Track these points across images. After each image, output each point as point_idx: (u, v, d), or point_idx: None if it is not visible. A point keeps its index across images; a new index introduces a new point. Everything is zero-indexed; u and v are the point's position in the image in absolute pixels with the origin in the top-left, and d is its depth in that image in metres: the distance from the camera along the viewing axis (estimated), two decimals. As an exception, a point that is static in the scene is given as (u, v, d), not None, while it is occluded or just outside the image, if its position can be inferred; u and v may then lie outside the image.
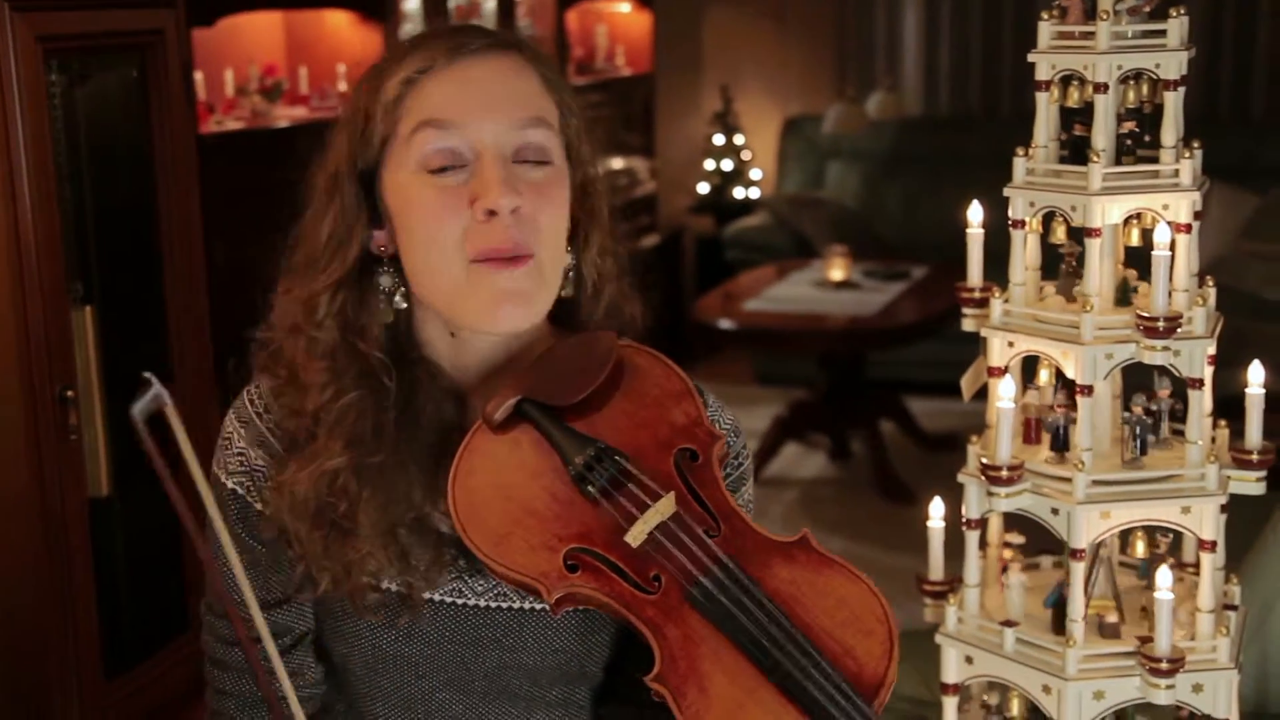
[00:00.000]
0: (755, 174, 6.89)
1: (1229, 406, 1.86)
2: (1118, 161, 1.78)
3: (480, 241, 1.30)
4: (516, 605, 1.36)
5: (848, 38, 6.88)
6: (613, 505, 1.27)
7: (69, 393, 2.65)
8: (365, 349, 1.35)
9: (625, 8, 6.64)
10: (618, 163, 6.36)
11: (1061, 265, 1.88)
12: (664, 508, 1.27)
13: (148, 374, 1.08)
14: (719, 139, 6.87)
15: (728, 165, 6.87)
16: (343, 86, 4.43)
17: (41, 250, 2.59)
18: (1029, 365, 1.91)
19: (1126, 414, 1.79)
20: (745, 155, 6.90)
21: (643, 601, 1.24)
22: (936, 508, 1.94)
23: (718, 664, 1.21)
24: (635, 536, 1.26)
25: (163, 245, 2.98)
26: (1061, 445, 1.84)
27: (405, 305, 1.38)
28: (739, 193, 6.85)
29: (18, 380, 2.58)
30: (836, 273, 5.33)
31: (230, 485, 1.38)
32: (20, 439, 2.59)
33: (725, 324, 5.00)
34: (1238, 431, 1.84)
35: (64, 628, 2.71)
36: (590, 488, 1.28)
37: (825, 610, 1.24)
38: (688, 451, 1.32)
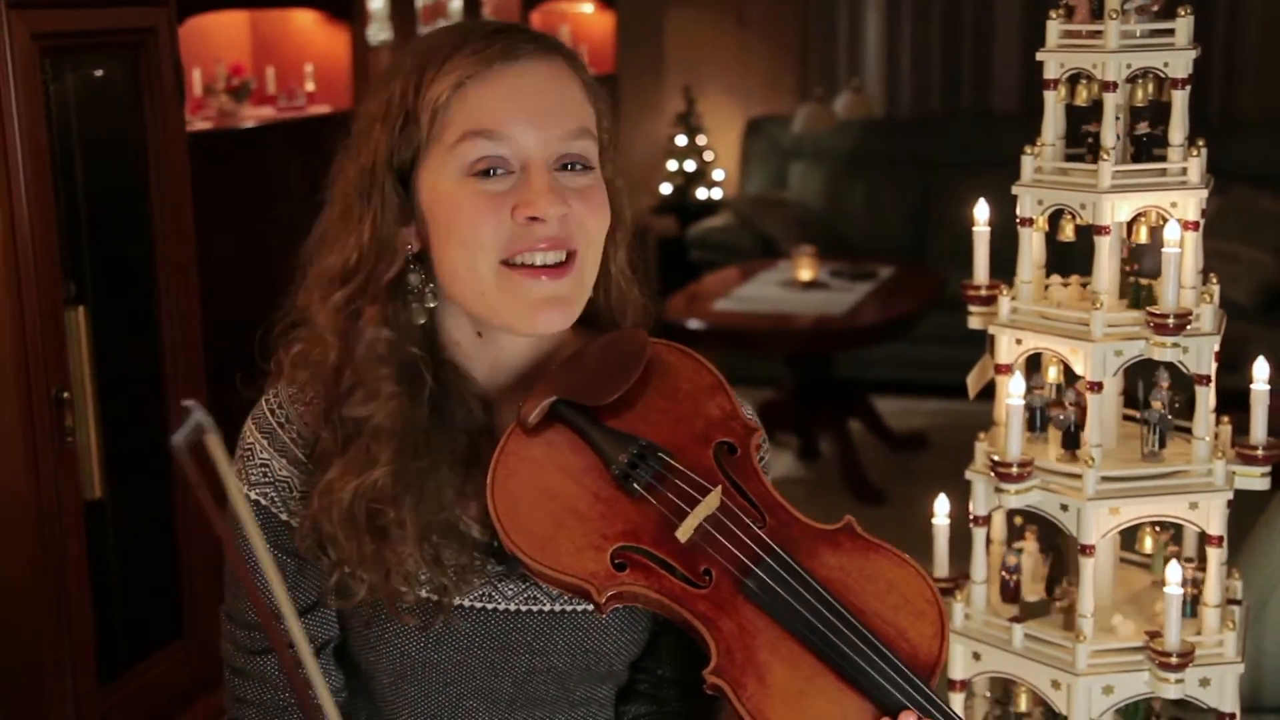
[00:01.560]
0: (718, 175, 6.90)
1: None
2: (1135, 160, 1.79)
3: (517, 244, 1.28)
4: (547, 608, 1.35)
5: (810, 39, 6.90)
6: (659, 501, 1.27)
7: (64, 394, 2.61)
8: (411, 348, 1.33)
9: (588, 8, 6.64)
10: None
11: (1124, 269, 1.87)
12: (712, 501, 1.27)
13: (188, 402, 1.06)
14: (682, 140, 6.88)
15: (690, 166, 6.87)
16: (310, 86, 4.39)
17: (37, 250, 2.56)
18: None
19: (1147, 409, 1.81)
20: (708, 156, 6.91)
21: (695, 596, 1.24)
22: (942, 505, 1.94)
23: (775, 654, 1.22)
24: (685, 531, 1.26)
25: (155, 243, 2.95)
26: (1073, 444, 1.85)
27: (434, 304, 1.35)
28: (702, 193, 6.86)
29: (13, 382, 2.54)
30: (804, 273, 5.34)
31: (254, 497, 1.36)
32: (16, 441, 2.56)
33: (693, 324, 5.00)
34: (1238, 428, 1.86)
35: (59, 631, 2.68)
36: (635, 485, 1.28)
37: (876, 595, 1.25)
38: (726, 445, 1.32)
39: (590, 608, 1.30)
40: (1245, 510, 2.12)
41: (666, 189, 6.91)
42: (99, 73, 2.91)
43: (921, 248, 6.28)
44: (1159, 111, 1.84)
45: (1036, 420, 1.89)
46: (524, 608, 1.35)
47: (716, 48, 6.98)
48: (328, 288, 1.34)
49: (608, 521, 1.27)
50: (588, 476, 1.29)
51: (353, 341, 1.32)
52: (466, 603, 1.34)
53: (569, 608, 1.35)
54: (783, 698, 1.20)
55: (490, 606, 1.34)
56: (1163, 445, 1.79)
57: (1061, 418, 1.83)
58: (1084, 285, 1.86)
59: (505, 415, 1.35)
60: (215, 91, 4.27)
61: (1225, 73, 6.25)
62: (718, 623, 1.22)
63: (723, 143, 6.96)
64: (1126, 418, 1.93)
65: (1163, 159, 1.80)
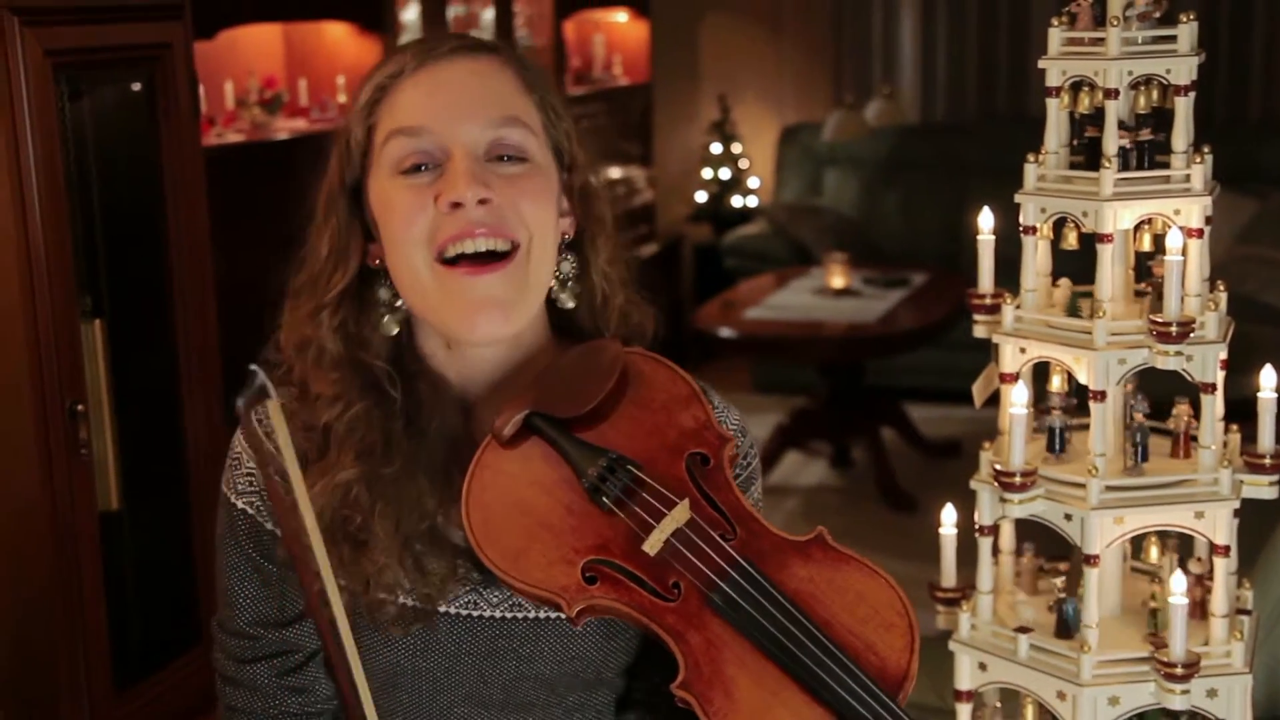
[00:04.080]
0: (753, 182, 6.90)
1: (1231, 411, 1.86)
2: (1137, 167, 1.78)
3: (445, 230, 1.29)
4: (533, 615, 1.36)
5: (844, 46, 6.89)
6: (628, 515, 1.27)
7: (79, 407, 2.65)
8: (368, 360, 1.35)
9: (622, 17, 6.66)
10: (615, 172, 6.37)
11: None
12: (679, 515, 1.27)
13: (254, 366, 1.08)
14: (716, 148, 6.88)
15: (725, 174, 6.88)
16: (342, 98, 4.44)
17: (52, 263, 2.60)
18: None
19: (1173, 414, 1.80)
20: (743, 164, 6.91)
21: (663, 609, 1.24)
22: (949, 514, 1.93)
23: (742, 668, 1.21)
24: (652, 545, 1.26)
25: (171, 257, 2.98)
26: (1059, 448, 1.85)
27: (404, 318, 1.38)
28: (737, 201, 6.86)
29: (29, 394, 2.58)
30: (837, 280, 5.33)
31: (240, 505, 1.38)
32: (31, 453, 2.60)
33: (725, 332, 5.00)
34: (1248, 436, 1.84)
35: (74, 640, 2.71)
36: (605, 499, 1.28)
37: (845, 607, 1.25)
38: (699, 456, 1.32)
39: None
40: (1260, 521, 2.10)
41: (702, 197, 6.91)
42: (115, 89, 2.95)
43: (955, 254, 6.25)
44: (1164, 118, 1.82)
45: (1057, 442, 1.87)
46: (509, 614, 1.36)
47: (751, 55, 6.98)
48: (293, 303, 1.38)
49: (579, 535, 1.27)
50: (560, 489, 1.29)
51: (309, 351, 1.35)
52: (452, 610, 1.35)
53: (552, 615, 1.36)
54: (749, 712, 1.20)
55: (476, 614, 1.35)
56: (1144, 459, 1.79)
57: (1047, 422, 1.83)
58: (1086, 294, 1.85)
59: (483, 423, 1.36)
60: (248, 104, 4.32)
61: (1264, 74, 6.18)
62: (686, 636, 1.22)
63: (757, 150, 6.96)
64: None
65: (1160, 165, 1.78)
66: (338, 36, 4.64)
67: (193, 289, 3.01)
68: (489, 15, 5.39)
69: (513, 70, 1.36)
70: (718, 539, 1.27)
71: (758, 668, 1.21)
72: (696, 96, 7.06)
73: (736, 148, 6.90)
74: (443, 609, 1.34)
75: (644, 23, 6.67)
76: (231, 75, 4.31)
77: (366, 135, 1.33)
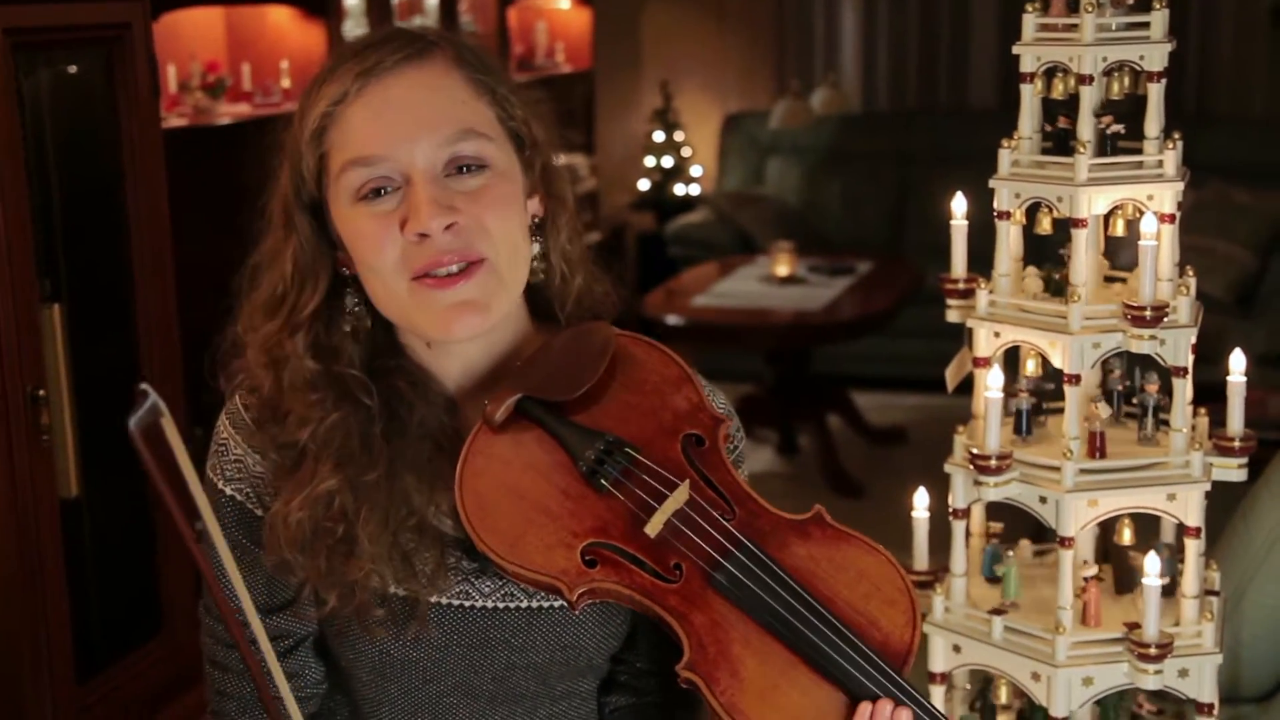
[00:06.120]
0: (696, 170, 6.90)
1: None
2: (1100, 154, 1.80)
3: (416, 261, 1.28)
4: (525, 604, 1.35)
5: (786, 34, 6.91)
6: (627, 497, 1.27)
7: (39, 392, 2.60)
8: (341, 370, 1.34)
9: (565, 4, 6.63)
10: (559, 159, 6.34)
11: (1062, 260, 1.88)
12: (680, 495, 1.27)
13: (144, 385, 1.06)
14: (659, 136, 6.88)
15: (668, 162, 6.87)
16: (286, 83, 4.38)
17: (11, 247, 2.54)
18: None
19: (1141, 394, 1.82)
20: (685, 152, 6.91)
21: (665, 591, 1.24)
22: (921, 498, 1.94)
23: (747, 647, 1.22)
24: (654, 526, 1.25)
25: (131, 241, 2.93)
26: (1026, 429, 1.86)
27: (371, 323, 1.36)
28: (680, 189, 6.86)
29: (-10, 380, 2.54)
30: (782, 268, 5.35)
31: (229, 492, 1.36)
32: (-9, 440, 2.55)
33: (672, 320, 5.00)
34: (1215, 420, 1.87)
35: (36, 630, 2.67)
36: (603, 481, 1.27)
37: (846, 583, 1.25)
38: (693, 437, 1.32)
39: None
40: (1228, 501, 2.13)
41: (644, 185, 6.91)
42: (73, 69, 2.90)
43: (899, 242, 6.30)
44: (1133, 105, 1.84)
45: (1023, 424, 1.88)
46: (501, 604, 1.35)
47: (693, 43, 6.98)
48: (258, 320, 1.36)
49: (577, 518, 1.26)
50: (556, 473, 1.28)
51: (282, 371, 1.33)
52: (444, 600, 1.34)
53: (546, 603, 1.35)
54: (756, 690, 1.21)
55: (468, 604, 1.34)
56: (1157, 429, 1.81)
57: (1014, 404, 1.85)
58: (1057, 277, 1.86)
59: (470, 414, 1.35)
60: (190, 88, 4.25)
61: (1200, 67, 6.27)
62: (689, 617, 1.22)
63: (700, 138, 6.96)
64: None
65: (1135, 152, 1.80)
66: (280, 21, 4.58)
67: (153, 272, 2.97)
68: (433, 1, 5.34)
69: (459, 71, 1.32)
70: (718, 518, 1.27)
71: (763, 646, 1.22)
72: (639, 84, 7.05)
73: (679, 136, 6.89)
74: (434, 599, 1.33)
75: (587, 10, 6.65)
76: (174, 59, 4.24)
77: (319, 162, 1.31)
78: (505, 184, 1.32)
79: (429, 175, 1.28)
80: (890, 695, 1.21)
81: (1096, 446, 1.80)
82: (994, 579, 1.94)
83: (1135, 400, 1.86)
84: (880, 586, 1.26)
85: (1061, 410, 1.83)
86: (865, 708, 1.21)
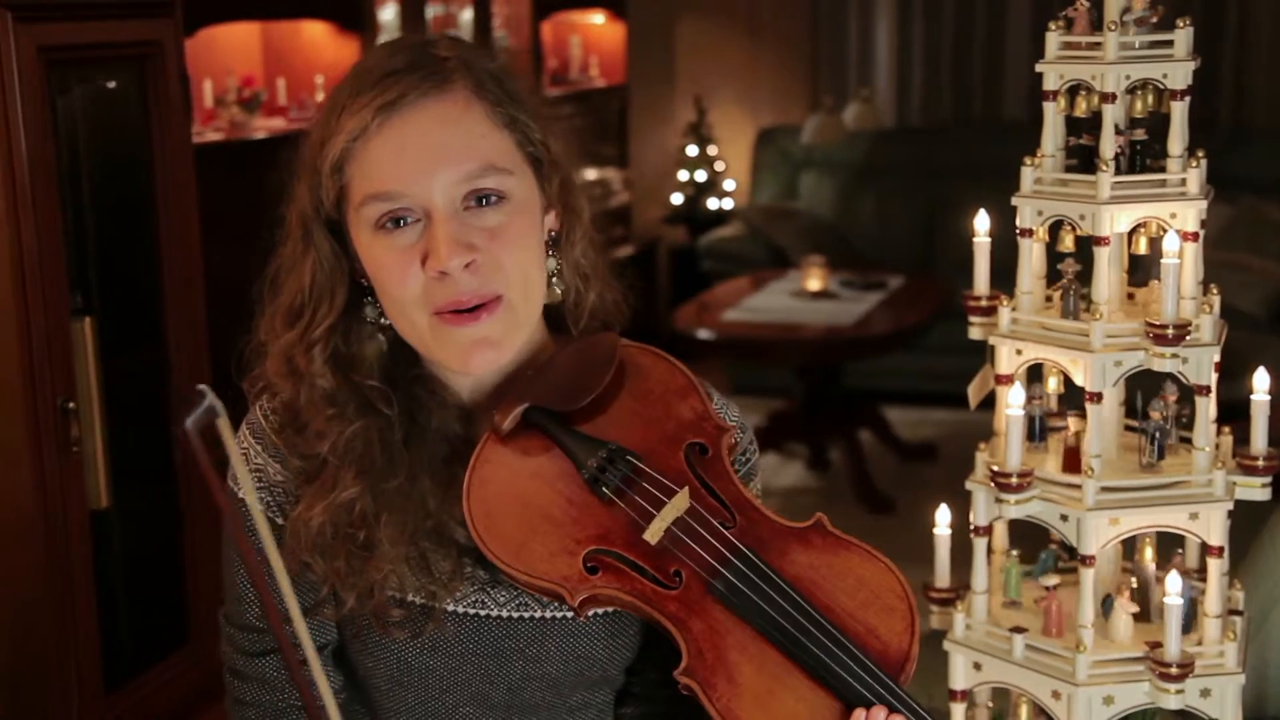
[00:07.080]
0: (729, 185, 6.91)
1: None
2: (1129, 171, 1.80)
3: (437, 298, 1.30)
4: (539, 615, 1.37)
5: (820, 49, 6.91)
6: (628, 505, 1.29)
7: (70, 404, 2.63)
8: (360, 380, 1.36)
9: (599, 19, 6.65)
10: (591, 174, 6.36)
11: (1062, 282, 1.88)
12: (679, 503, 1.29)
13: (201, 386, 1.08)
14: (693, 150, 6.89)
15: (701, 176, 6.88)
16: (321, 98, 4.41)
17: (43, 261, 2.58)
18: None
19: (1145, 419, 1.81)
20: (719, 166, 6.91)
21: (665, 597, 1.25)
22: (943, 515, 1.94)
23: (744, 654, 1.23)
24: (653, 534, 1.27)
25: (161, 255, 2.97)
26: (1038, 436, 1.86)
27: (390, 332, 1.38)
28: (713, 204, 6.87)
29: (20, 392, 2.57)
30: (814, 283, 5.35)
31: (250, 501, 1.37)
32: (23, 452, 2.58)
33: (703, 334, 5.01)
34: (1239, 439, 1.86)
35: (65, 640, 2.70)
36: (605, 489, 1.29)
37: (845, 591, 1.26)
38: (697, 446, 1.34)
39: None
40: (1252, 521, 2.12)
41: (677, 199, 6.92)
42: (106, 85, 2.93)
43: (930, 258, 6.28)
44: (1160, 122, 1.84)
45: (1036, 430, 1.89)
46: (516, 614, 1.36)
47: (727, 58, 6.99)
48: (278, 330, 1.38)
49: (580, 525, 1.29)
50: (560, 481, 1.31)
51: (300, 384, 1.35)
52: (459, 609, 1.35)
53: (559, 614, 1.37)
54: (752, 697, 1.22)
55: (483, 613, 1.36)
56: (1161, 457, 1.79)
57: (1028, 410, 1.84)
58: (1084, 295, 1.86)
59: (484, 424, 1.37)
60: (226, 103, 4.29)
61: (1235, 82, 6.23)
62: (688, 623, 1.24)
63: (733, 153, 6.97)
64: (1128, 428, 1.93)
65: (1155, 169, 1.80)
66: (316, 35, 4.62)
67: (183, 286, 3.00)
68: (467, 16, 5.37)
69: (479, 103, 1.33)
70: (718, 526, 1.28)
71: (760, 653, 1.23)
72: (673, 98, 7.07)
73: (712, 150, 6.90)
74: (450, 608, 1.35)
75: (621, 24, 6.68)
76: (210, 74, 4.28)
77: (339, 192, 1.33)
78: (523, 218, 1.34)
79: (448, 211, 1.30)
80: (884, 702, 1.22)
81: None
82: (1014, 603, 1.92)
83: (1140, 423, 1.84)
84: (879, 594, 1.26)
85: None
86: (860, 714, 1.22)
